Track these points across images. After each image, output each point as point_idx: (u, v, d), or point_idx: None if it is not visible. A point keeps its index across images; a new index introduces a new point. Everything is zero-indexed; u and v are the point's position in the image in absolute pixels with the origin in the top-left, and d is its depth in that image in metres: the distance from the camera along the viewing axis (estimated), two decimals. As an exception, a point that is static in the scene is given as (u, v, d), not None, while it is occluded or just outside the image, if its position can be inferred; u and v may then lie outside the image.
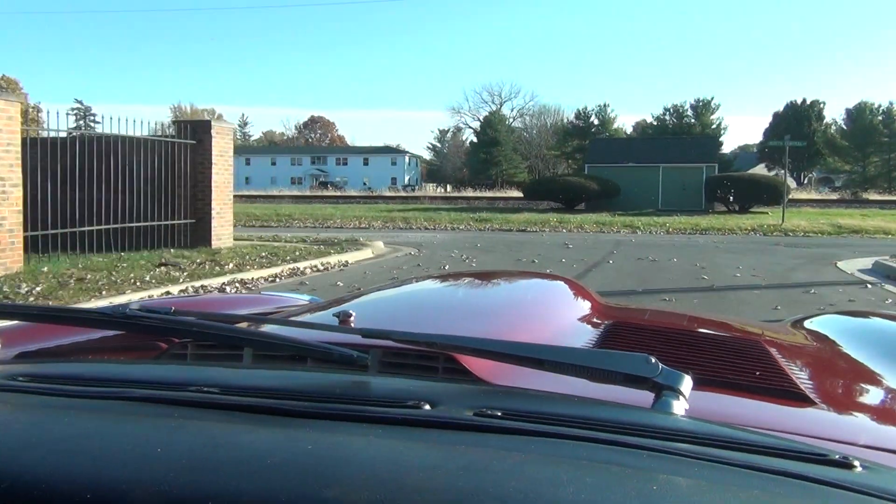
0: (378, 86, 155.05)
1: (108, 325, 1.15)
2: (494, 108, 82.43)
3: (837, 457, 0.66)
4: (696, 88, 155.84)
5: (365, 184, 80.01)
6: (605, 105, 79.79)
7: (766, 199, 27.83)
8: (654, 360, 0.83)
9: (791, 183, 73.96)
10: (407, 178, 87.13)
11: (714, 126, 77.43)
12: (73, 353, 1.50)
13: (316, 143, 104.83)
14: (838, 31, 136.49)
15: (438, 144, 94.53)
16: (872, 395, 1.43)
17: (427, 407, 0.75)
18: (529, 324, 1.67)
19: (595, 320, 1.79)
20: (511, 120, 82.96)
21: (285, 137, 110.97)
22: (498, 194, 46.89)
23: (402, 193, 47.88)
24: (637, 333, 1.60)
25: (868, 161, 76.04)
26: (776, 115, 75.18)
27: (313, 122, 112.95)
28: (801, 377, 1.32)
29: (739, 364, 1.35)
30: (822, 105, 74.30)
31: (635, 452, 0.64)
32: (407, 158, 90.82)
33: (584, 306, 1.96)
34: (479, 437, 0.68)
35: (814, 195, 42.18)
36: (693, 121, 76.27)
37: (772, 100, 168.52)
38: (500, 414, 0.73)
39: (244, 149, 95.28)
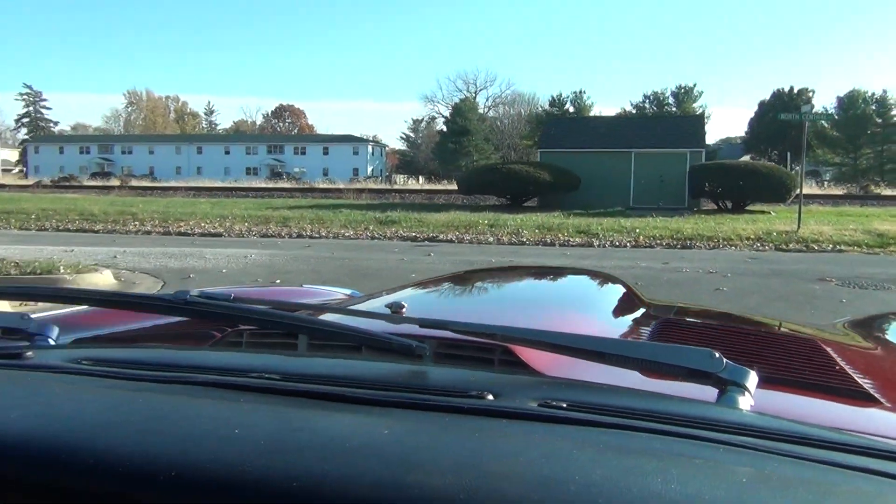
0: (355, 77, 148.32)
1: (171, 311, 1.14)
2: (469, 97, 77.72)
3: None
4: (678, 77, 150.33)
5: (325, 174, 73.48)
6: (580, 92, 75.51)
7: (768, 195, 21.47)
8: (718, 356, 0.82)
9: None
10: (370, 169, 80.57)
11: (697, 115, 72.98)
12: (127, 340, 1.53)
13: (285, 132, 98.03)
14: (827, 15, 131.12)
15: (412, 135, 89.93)
16: None
17: (490, 397, 0.76)
18: (581, 318, 1.67)
19: (646, 317, 1.77)
20: (486, 109, 78.91)
21: (256, 127, 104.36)
22: (450, 187, 40.51)
23: (340, 185, 41.12)
24: (691, 331, 1.67)
25: (860, 153, 71.29)
26: (762, 104, 70.58)
27: (281, 111, 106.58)
28: (861, 376, 1.30)
29: (798, 362, 1.35)
30: (810, 93, 69.45)
31: (710, 446, 0.64)
32: (370, 148, 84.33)
33: (633, 302, 1.95)
34: (546, 428, 0.69)
35: (815, 190, 35.82)
36: (674, 109, 72.04)
37: (756, 90, 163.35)
38: (565, 405, 0.74)
39: (195, 137, 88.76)
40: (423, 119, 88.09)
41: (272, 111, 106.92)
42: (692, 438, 0.66)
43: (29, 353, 0.94)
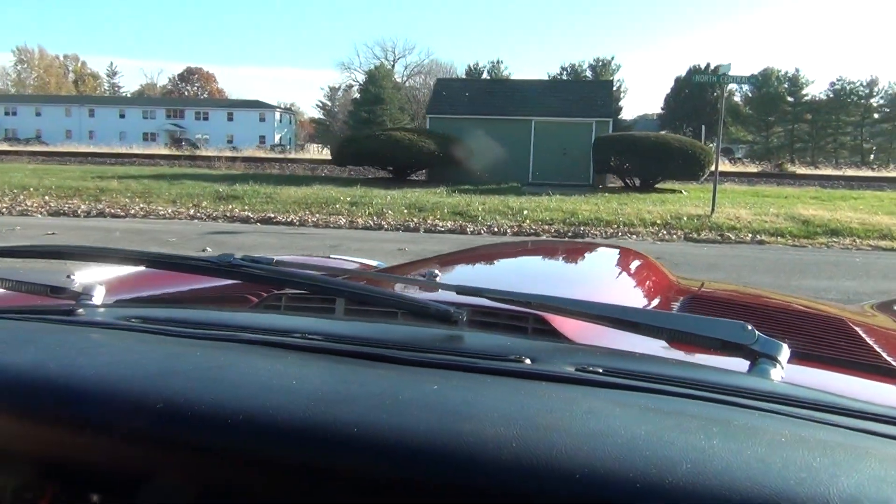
0: (273, 42, 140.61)
1: (215, 273, 1.15)
2: (384, 64, 73.72)
3: None
4: (597, 50, 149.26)
5: (230, 142, 68.50)
6: (498, 62, 73.23)
7: (680, 172, 19.07)
8: (750, 328, 0.83)
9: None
10: (278, 137, 75.89)
11: (606, 80, 71.74)
12: (169, 302, 1.55)
13: (193, 97, 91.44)
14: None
15: (328, 103, 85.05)
16: None
17: (528, 361, 0.77)
18: (611, 290, 1.68)
19: (674, 291, 1.78)
20: (405, 78, 75.46)
21: (159, 91, 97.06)
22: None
23: (228, 154, 37.00)
24: (721, 305, 1.65)
25: (771, 131, 71.52)
26: (678, 80, 69.50)
27: (189, 74, 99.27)
28: (890, 355, 1.33)
29: (828, 339, 1.37)
30: (726, 70, 68.77)
31: (746, 411, 0.65)
32: (278, 114, 79.48)
33: (663, 277, 1.95)
34: (585, 390, 0.70)
35: (729, 167, 34.00)
36: None
37: (674, 67, 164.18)
38: (601, 371, 0.75)
39: (87, 99, 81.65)
40: (339, 87, 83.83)
41: (179, 74, 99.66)
42: (727, 404, 0.67)
43: (80, 311, 0.96)
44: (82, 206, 13.20)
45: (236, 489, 0.57)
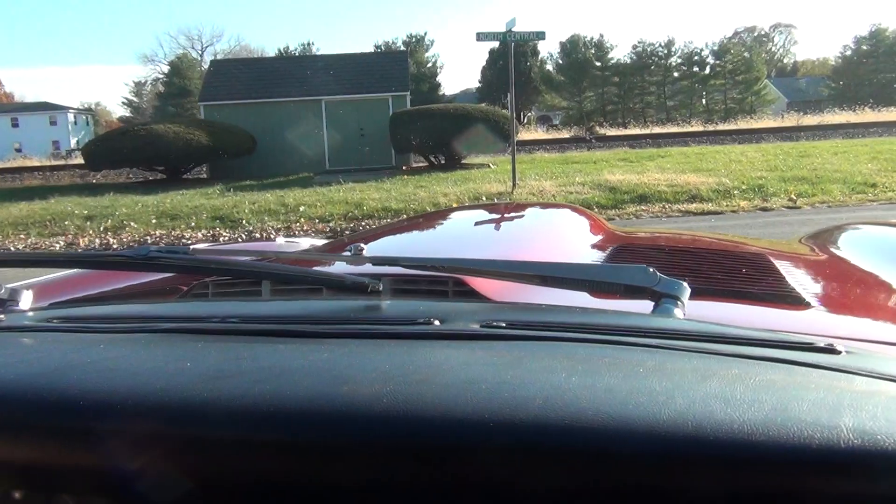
0: (71, 40, 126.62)
1: (132, 267, 1.14)
2: (191, 54, 69.05)
3: (822, 344, 0.72)
4: (409, 26, 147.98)
5: (18, 150, 60.63)
6: (309, 43, 69.85)
7: (486, 145, 17.65)
8: (652, 270, 0.87)
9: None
10: (74, 141, 68.30)
11: (430, 65, 71.07)
12: (99, 300, 1.56)
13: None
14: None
15: (136, 99, 78.11)
16: (866, 296, 1.48)
17: (437, 323, 0.80)
18: (536, 247, 1.72)
19: (602, 242, 1.80)
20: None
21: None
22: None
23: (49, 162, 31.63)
24: (641, 251, 1.69)
25: (584, 96, 73.58)
26: (492, 52, 69.60)
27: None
28: (797, 282, 1.37)
29: (739, 273, 1.42)
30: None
31: (626, 349, 0.71)
32: (72, 116, 71.76)
33: (592, 230, 1.98)
34: (486, 345, 0.74)
35: (540, 134, 33.47)
36: (408, 59, 68.56)
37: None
38: (504, 325, 0.78)
39: None
40: (145, 81, 77.51)
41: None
42: (618, 344, 0.72)
43: (1, 317, 0.96)
44: None
45: (131, 470, 0.60)
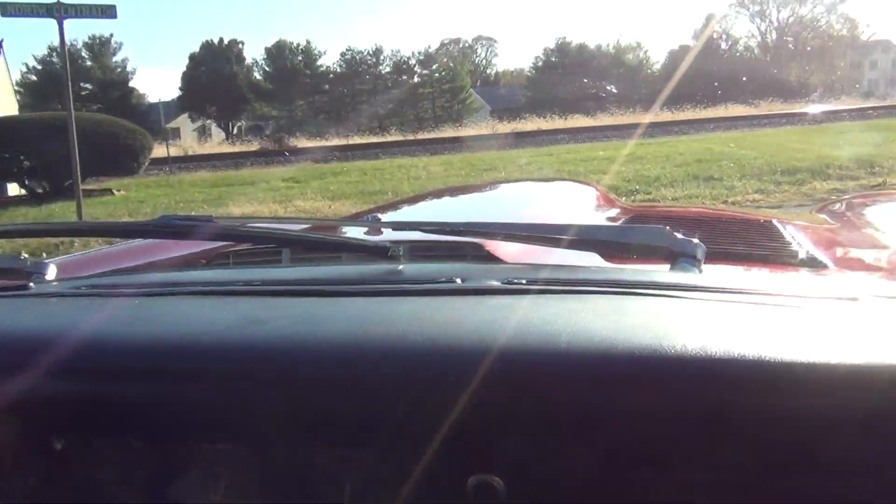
0: None
1: (154, 235, 1.16)
2: None
3: (845, 296, 0.77)
4: (90, 27, 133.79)
5: None
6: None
7: (109, 165, 13.60)
8: (668, 229, 0.89)
9: (218, 135, 64.37)
10: None
11: (119, 70, 63.21)
12: (122, 274, 1.58)
13: None
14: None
15: None
16: (880, 258, 1.52)
17: (458, 281, 0.82)
18: (551, 217, 1.75)
19: (616, 214, 1.86)
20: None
21: None
22: None
23: None
24: (655, 220, 1.73)
25: (295, 104, 70.62)
26: (193, 58, 63.93)
27: None
28: (812, 246, 1.43)
29: (755, 238, 1.52)
30: (241, 44, 67.09)
31: (652, 298, 0.75)
32: None
33: (606, 204, 2.02)
34: (509, 299, 0.77)
35: (222, 147, 29.38)
36: (90, 63, 60.31)
37: (190, 46, 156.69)
38: (524, 282, 0.82)
39: None
40: None
41: None
42: (638, 295, 0.75)
43: (32, 286, 1.00)
44: None
45: (176, 402, 0.66)
